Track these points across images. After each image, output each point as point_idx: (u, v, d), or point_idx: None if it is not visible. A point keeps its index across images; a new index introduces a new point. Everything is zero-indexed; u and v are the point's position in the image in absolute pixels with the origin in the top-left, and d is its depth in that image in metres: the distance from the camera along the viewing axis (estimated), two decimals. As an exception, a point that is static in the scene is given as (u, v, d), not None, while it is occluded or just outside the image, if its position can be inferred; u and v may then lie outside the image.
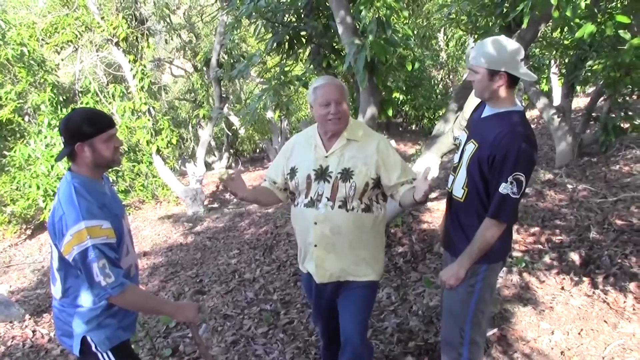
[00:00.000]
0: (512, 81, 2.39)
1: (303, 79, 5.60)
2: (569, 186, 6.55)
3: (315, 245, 2.76)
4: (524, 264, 4.65)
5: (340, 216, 2.66)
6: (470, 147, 2.48)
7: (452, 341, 2.71)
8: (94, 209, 2.14)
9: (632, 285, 4.06)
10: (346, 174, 2.65)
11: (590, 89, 15.04)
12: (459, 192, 2.55)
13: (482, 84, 2.39)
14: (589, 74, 7.69)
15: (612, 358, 3.33)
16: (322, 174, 2.70)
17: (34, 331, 5.19)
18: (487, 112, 2.51)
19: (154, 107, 11.25)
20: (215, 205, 12.64)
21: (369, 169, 2.66)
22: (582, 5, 3.44)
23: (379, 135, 2.84)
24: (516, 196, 2.32)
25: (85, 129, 2.18)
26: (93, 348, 2.29)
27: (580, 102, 14.57)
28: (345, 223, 2.67)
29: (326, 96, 2.61)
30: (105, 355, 2.30)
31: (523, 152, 2.28)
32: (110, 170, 2.67)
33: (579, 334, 3.63)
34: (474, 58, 2.39)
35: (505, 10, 4.41)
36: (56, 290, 2.32)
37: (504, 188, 2.30)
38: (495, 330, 3.73)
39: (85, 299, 2.25)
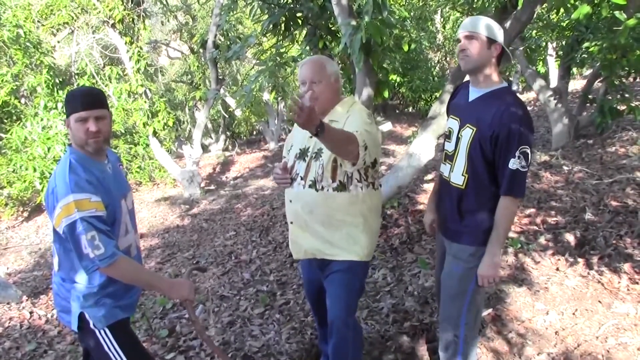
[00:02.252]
0: (500, 58, 2.43)
1: (299, 60, 5.59)
2: (565, 168, 6.56)
3: (292, 223, 2.81)
4: (519, 245, 4.67)
5: (310, 195, 2.63)
6: (468, 132, 2.46)
7: (449, 323, 2.72)
8: (83, 183, 2.15)
9: (626, 266, 4.10)
10: (318, 153, 2.62)
11: (586, 71, 15.03)
12: (459, 179, 2.54)
13: (482, 52, 2.38)
14: (586, 55, 7.68)
15: (606, 338, 3.36)
16: (302, 153, 2.71)
17: (31, 312, 5.20)
18: (474, 94, 2.52)
19: (150, 89, 11.16)
20: (212, 187, 12.61)
21: None
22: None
23: (359, 108, 2.75)
24: (525, 169, 2.34)
25: (65, 106, 2.23)
26: (90, 325, 2.30)
27: (576, 84, 14.58)
28: (316, 202, 2.63)
29: (302, 76, 2.64)
30: (102, 332, 2.30)
31: (525, 125, 2.31)
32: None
33: (574, 314, 3.67)
34: (472, 25, 2.38)
35: (501, -9, 4.39)
36: (56, 263, 2.35)
37: (513, 163, 2.32)
38: (490, 310, 3.76)
39: (81, 276, 2.26)
